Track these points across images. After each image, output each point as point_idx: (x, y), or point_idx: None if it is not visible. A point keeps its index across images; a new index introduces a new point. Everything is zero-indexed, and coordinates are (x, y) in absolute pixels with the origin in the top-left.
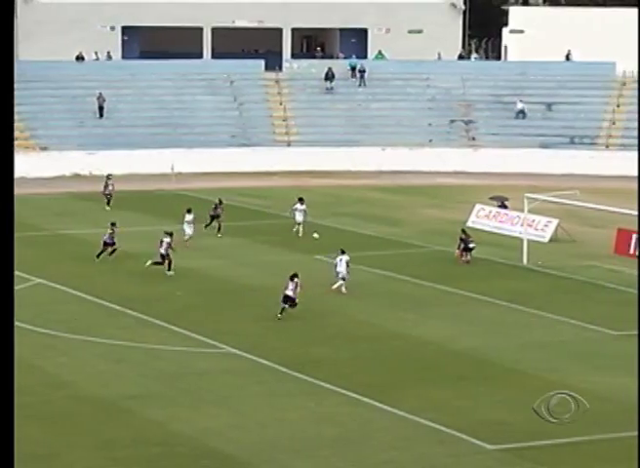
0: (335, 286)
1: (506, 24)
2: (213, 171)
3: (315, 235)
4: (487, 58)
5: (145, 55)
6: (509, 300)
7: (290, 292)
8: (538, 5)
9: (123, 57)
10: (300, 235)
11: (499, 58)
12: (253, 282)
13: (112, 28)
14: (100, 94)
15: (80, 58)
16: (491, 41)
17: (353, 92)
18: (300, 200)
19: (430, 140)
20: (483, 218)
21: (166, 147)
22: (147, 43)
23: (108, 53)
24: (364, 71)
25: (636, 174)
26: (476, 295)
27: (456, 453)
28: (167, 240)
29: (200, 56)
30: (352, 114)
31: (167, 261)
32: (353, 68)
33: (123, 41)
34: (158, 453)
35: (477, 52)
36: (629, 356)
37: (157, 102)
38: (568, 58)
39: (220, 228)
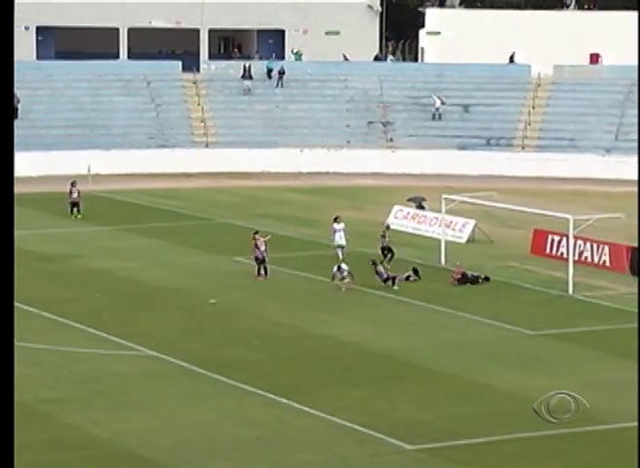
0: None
1: (423, 26)
2: (130, 172)
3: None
4: (404, 59)
5: (61, 55)
6: (427, 301)
7: None
8: (454, 7)
9: (38, 57)
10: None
11: (416, 59)
12: (168, 283)
13: (27, 28)
14: (15, 94)
15: None
16: (408, 43)
17: (271, 93)
18: (336, 219)
19: (348, 142)
20: (401, 219)
21: (83, 149)
22: (63, 43)
23: None
24: (283, 73)
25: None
26: (393, 296)
27: (374, 453)
28: (263, 239)
29: (116, 56)
30: (270, 115)
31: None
32: (270, 70)
33: (38, 41)
34: (76, 457)
35: (394, 53)
36: (546, 355)
37: (73, 103)
38: (512, 59)
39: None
